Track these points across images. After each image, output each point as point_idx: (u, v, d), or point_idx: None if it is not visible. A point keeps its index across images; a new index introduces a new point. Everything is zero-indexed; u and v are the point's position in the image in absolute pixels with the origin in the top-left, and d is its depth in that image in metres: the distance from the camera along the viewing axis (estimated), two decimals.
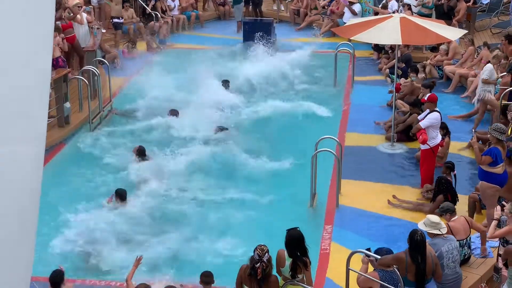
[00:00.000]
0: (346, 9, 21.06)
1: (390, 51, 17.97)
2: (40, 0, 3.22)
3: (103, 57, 16.85)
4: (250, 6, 22.74)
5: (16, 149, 3.14)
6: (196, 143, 13.70)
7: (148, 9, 20.81)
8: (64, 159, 13.31)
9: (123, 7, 19.99)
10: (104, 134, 14.45)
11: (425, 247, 8.05)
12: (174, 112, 14.69)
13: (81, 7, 17.28)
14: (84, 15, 16.96)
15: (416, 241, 8.00)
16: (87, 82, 14.65)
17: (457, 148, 13.31)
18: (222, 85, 16.17)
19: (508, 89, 13.74)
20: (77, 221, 10.71)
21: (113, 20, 19.81)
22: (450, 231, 8.96)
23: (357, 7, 20.88)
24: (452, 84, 16.19)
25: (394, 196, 11.47)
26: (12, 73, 3.14)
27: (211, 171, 12.79)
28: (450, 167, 11.14)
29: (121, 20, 19.87)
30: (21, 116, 3.16)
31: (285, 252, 8.15)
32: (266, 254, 7.93)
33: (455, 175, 11.11)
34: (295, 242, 8.11)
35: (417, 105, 13.63)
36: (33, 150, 3.21)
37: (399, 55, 14.90)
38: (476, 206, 10.68)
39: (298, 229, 8.23)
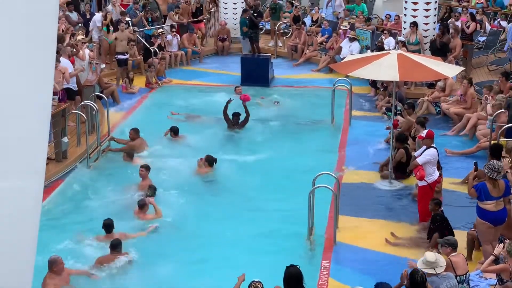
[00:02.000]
0: (343, 45, 21.22)
1: (382, 89, 18.06)
2: (41, 37, 3.24)
3: (101, 92, 16.91)
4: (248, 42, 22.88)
5: (15, 184, 3.14)
6: (191, 176, 13.72)
7: (153, 48, 20.87)
8: (62, 194, 13.25)
9: (127, 44, 20.01)
10: (102, 168, 14.43)
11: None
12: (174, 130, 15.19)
13: (85, 43, 17.47)
14: (87, 51, 17.08)
15: (417, 281, 7.98)
16: (85, 116, 14.69)
17: (453, 184, 13.33)
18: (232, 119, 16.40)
19: (506, 126, 13.79)
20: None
21: (118, 56, 19.75)
22: (451, 265, 8.94)
23: (355, 45, 21.02)
24: (457, 127, 16.02)
25: (392, 234, 11.44)
26: (12, 108, 3.16)
27: (207, 203, 12.81)
28: (438, 203, 11.12)
29: (126, 56, 19.81)
30: (21, 151, 3.16)
31: None
32: None
33: (442, 211, 11.10)
34: (294, 280, 8.07)
35: (403, 140, 13.74)
36: (32, 185, 3.21)
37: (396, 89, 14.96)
38: (474, 243, 10.64)
39: (298, 267, 8.20)
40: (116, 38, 19.91)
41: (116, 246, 10.55)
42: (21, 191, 3.17)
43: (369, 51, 19.60)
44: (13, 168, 3.13)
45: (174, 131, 15.69)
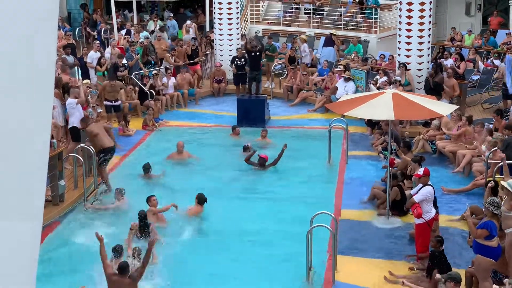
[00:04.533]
0: (339, 85, 21.37)
1: (377, 128, 18.17)
2: (38, 79, 3.28)
3: None
4: (247, 84, 22.83)
5: (13, 226, 3.16)
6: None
7: (146, 89, 21.06)
8: (58, 238, 13.20)
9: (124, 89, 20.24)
10: (99, 211, 14.40)
11: None
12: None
13: (90, 88, 17.72)
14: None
15: None
16: (82, 159, 14.72)
17: (450, 221, 13.35)
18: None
19: (500, 164, 13.83)
20: None
21: (105, 102, 19.92)
22: None
23: (350, 85, 21.17)
24: (461, 165, 15.90)
25: (390, 272, 11.40)
26: (10, 150, 3.19)
27: (202, 244, 12.77)
28: (441, 241, 11.12)
29: (113, 103, 19.96)
30: (18, 193, 3.19)
31: None
32: None
33: (443, 250, 11.09)
34: None
35: (396, 177, 13.80)
36: (30, 228, 3.23)
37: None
38: (473, 281, 10.61)
39: None
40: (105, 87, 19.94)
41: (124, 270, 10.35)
42: (18, 234, 3.18)
43: (372, 86, 19.67)
44: (10, 210, 3.15)
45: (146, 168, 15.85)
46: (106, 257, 10.48)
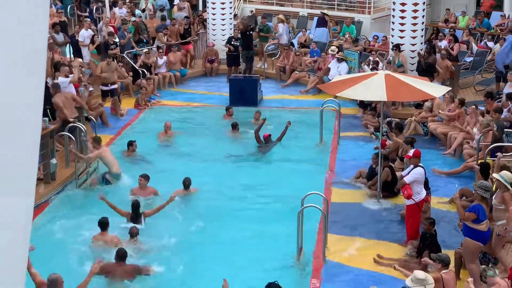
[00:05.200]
0: (331, 66, 21.35)
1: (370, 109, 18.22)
2: (31, 57, 3.27)
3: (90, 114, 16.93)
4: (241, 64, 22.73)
5: (5, 204, 3.16)
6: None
7: (136, 67, 20.98)
8: (50, 215, 13.20)
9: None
10: (91, 190, 14.41)
11: None
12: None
13: (82, 67, 17.61)
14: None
15: None
16: (73, 138, 14.68)
17: (441, 203, 13.42)
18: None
19: (492, 146, 13.90)
20: None
21: (101, 86, 19.49)
22: (442, 281, 8.98)
23: (343, 66, 21.16)
24: (452, 147, 16.00)
25: (378, 255, 11.46)
26: (2, 128, 3.19)
27: (194, 223, 12.77)
28: (432, 222, 11.20)
29: (109, 87, 19.36)
30: (10, 170, 3.19)
31: None
32: None
33: (435, 231, 11.17)
34: None
35: (387, 159, 13.93)
36: (22, 205, 3.23)
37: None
38: (462, 262, 10.68)
39: (276, 282, 8.29)
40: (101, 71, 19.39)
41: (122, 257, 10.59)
42: (11, 211, 3.19)
43: (366, 66, 19.67)
44: (3, 189, 3.15)
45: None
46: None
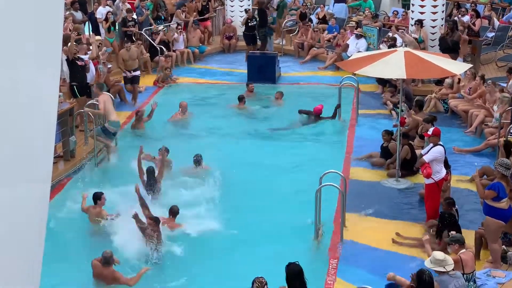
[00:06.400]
0: (350, 43, 21.16)
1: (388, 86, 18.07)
2: (47, 35, 3.23)
3: (108, 91, 16.90)
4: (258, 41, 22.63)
5: (21, 191, 3.15)
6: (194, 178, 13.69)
7: (159, 46, 20.91)
8: (70, 193, 13.27)
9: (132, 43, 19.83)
10: (110, 167, 14.46)
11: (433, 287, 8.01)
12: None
13: (101, 44, 17.54)
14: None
15: (424, 281, 7.97)
16: (92, 116, 14.71)
17: (462, 181, 13.31)
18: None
19: None
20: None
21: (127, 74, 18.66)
22: (461, 261, 8.94)
23: (362, 42, 20.96)
24: (473, 125, 15.83)
25: (397, 234, 11.40)
26: (18, 114, 3.16)
27: (211, 203, 12.60)
28: (452, 202, 11.10)
29: (132, 74, 18.51)
30: (26, 158, 3.17)
31: None
32: (265, 286, 7.97)
33: (456, 210, 11.08)
34: (296, 277, 8.16)
35: (407, 136, 13.76)
36: (38, 192, 3.22)
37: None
38: (482, 242, 10.61)
39: (297, 263, 8.29)
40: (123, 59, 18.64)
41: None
42: (27, 197, 3.18)
43: (382, 46, 19.46)
44: (19, 174, 3.14)
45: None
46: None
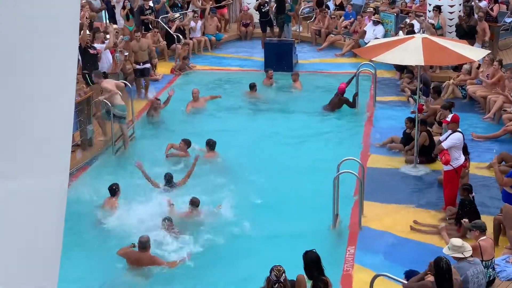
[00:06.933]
0: (367, 29, 21.04)
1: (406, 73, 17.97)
2: (63, 24, 3.22)
3: (125, 79, 16.94)
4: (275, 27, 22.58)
5: (40, 180, 3.15)
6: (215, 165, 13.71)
7: (175, 34, 20.90)
8: (87, 181, 13.33)
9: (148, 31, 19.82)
10: (127, 156, 14.51)
11: (451, 275, 7.98)
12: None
13: (118, 33, 17.57)
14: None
15: (442, 268, 7.94)
16: (109, 104, 14.74)
17: (480, 168, 13.23)
18: None
19: None
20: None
21: (136, 66, 18.16)
22: (480, 248, 8.91)
23: (379, 29, 20.82)
24: (492, 111, 15.70)
25: (415, 221, 11.36)
26: (36, 105, 3.16)
27: (229, 194, 12.57)
28: (469, 189, 11.02)
29: (141, 66, 18.05)
30: (44, 147, 3.17)
31: (305, 276, 8.17)
32: (283, 274, 7.99)
33: (473, 197, 11.01)
34: (314, 265, 8.18)
35: (425, 123, 13.79)
36: (57, 181, 3.22)
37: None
38: (501, 228, 10.55)
39: (314, 250, 8.30)
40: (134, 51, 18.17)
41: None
42: (45, 188, 3.19)
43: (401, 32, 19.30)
44: (36, 166, 3.14)
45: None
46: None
